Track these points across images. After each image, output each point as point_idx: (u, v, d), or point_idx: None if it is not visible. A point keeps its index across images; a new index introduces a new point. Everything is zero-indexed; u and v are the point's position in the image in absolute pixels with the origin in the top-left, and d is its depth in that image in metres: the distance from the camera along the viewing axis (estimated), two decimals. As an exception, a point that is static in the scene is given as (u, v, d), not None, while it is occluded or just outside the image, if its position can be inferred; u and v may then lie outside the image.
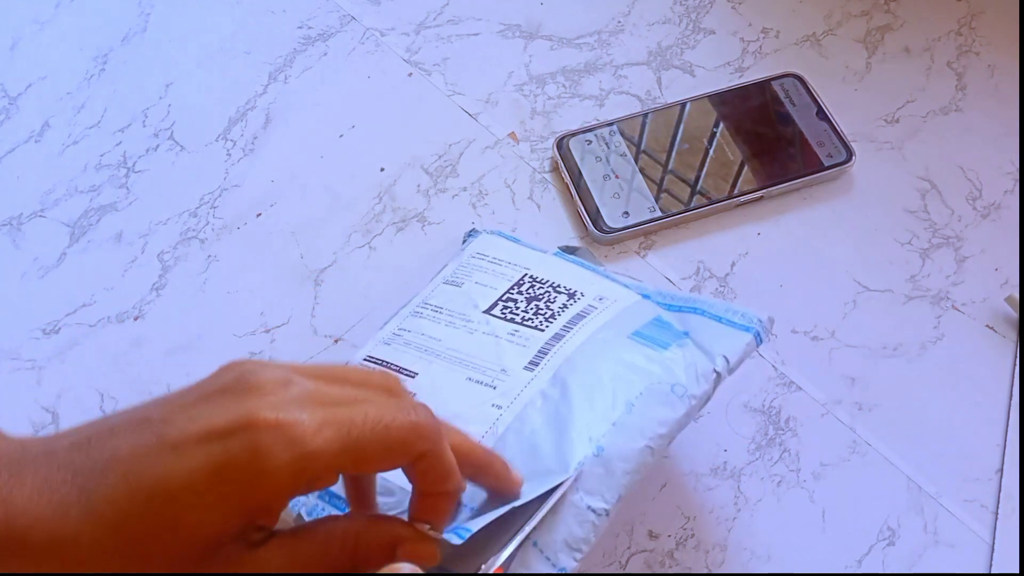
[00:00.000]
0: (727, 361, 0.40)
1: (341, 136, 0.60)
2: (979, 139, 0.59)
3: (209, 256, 0.55)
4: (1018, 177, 0.58)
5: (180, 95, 0.62)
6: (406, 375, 0.43)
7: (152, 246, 0.55)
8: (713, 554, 0.46)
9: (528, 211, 0.57)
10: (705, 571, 0.45)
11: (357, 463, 0.30)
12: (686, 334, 0.42)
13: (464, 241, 0.53)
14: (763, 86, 0.60)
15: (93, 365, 0.51)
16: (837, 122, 0.58)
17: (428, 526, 0.32)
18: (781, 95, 0.60)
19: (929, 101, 0.61)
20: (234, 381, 0.30)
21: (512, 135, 0.60)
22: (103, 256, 0.55)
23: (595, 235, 0.54)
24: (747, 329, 0.42)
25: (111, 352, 0.52)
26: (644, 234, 0.55)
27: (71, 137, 0.60)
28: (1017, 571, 0.45)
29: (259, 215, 0.56)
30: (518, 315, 0.44)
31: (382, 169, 0.58)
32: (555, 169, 0.58)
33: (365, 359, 0.45)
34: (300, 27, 0.64)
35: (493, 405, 0.40)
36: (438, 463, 0.31)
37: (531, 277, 0.46)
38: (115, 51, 0.64)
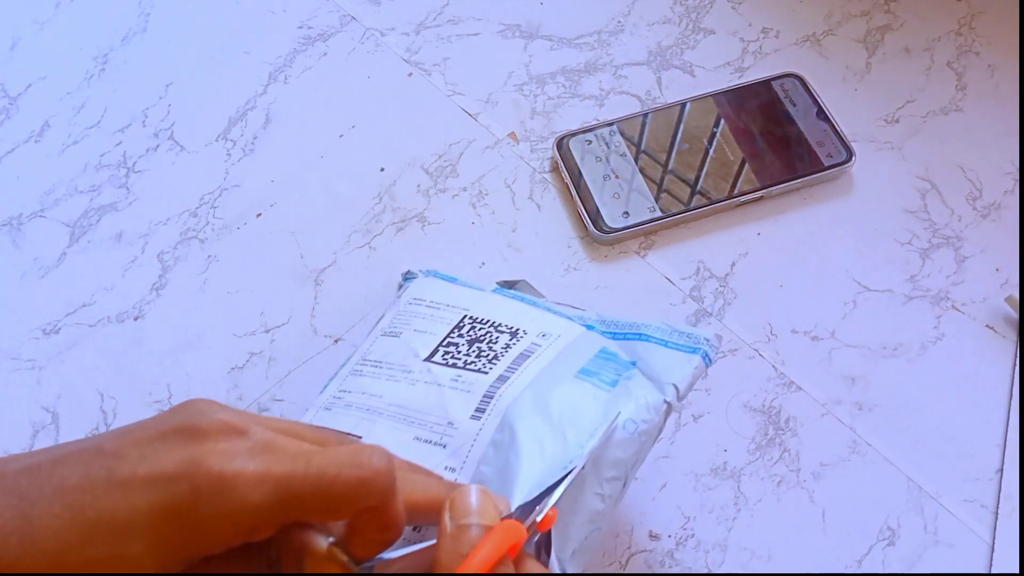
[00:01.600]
0: (677, 390, 0.39)
1: (341, 136, 0.60)
2: (979, 139, 0.59)
3: (209, 256, 0.55)
4: (1018, 177, 0.58)
5: (180, 95, 0.62)
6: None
7: (152, 246, 0.55)
8: (713, 554, 0.46)
9: (528, 211, 0.57)
10: (705, 571, 0.45)
11: (297, 515, 0.29)
12: (633, 364, 0.41)
13: (400, 286, 0.51)
14: (763, 86, 0.60)
15: (93, 365, 0.51)
16: (837, 122, 0.58)
17: (346, 559, 0.31)
18: (781, 95, 0.60)
19: (929, 101, 0.61)
20: (189, 422, 0.29)
21: (512, 135, 0.60)
22: (103, 256, 0.55)
23: (595, 235, 0.54)
24: (694, 351, 0.41)
25: (111, 352, 0.52)
26: (644, 234, 0.55)
27: (71, 137, 0.60)
28: (1017, 571, 0.45)
29: (259, 215, 0.56)
30: (460, 359, 0.42)
31: (382, 169, 0.58)
32: (555, 169, 0.58)
33: (311, 418, 0.43)
34: (300, 27, 0.64)
35: (447, 468, 0.38)
36: (380, 517, 0.30)
37: (471, 318, 0.44)
38: (115, 51, 0.64)
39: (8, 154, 0.59)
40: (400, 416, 0.40)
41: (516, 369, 0.41)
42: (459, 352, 0.43)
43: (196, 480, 0.28)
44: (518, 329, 0.43)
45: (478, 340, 0.43)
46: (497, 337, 0.43)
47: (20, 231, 0.56)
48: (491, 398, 0.40)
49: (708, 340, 0.42)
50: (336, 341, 0.52)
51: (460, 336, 0.44)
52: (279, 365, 0.51)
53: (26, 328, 0.53)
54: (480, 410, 0.39)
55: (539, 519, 0.33)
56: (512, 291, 0.48)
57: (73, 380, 0.51)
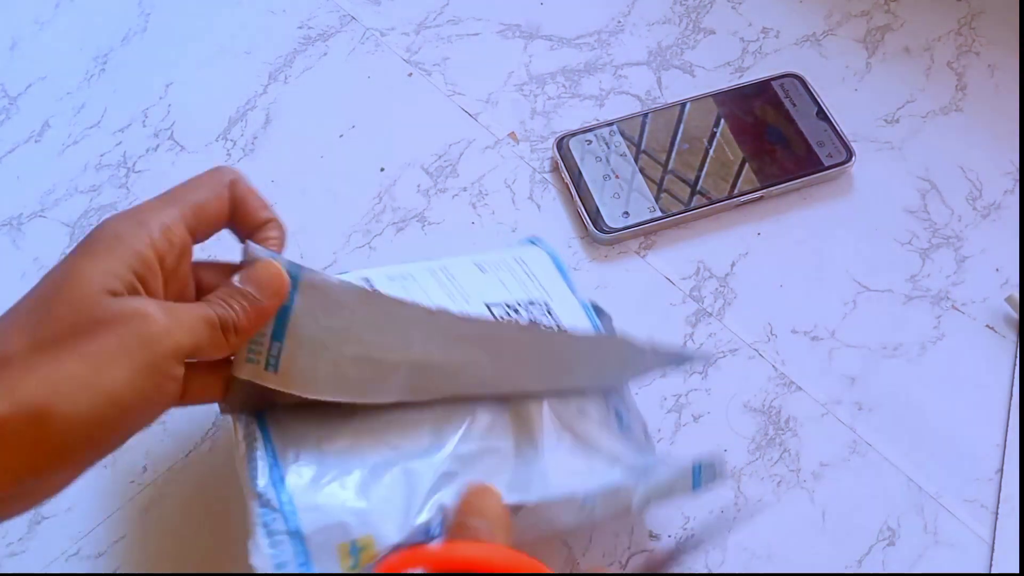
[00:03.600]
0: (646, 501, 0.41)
1: (341, 136, 0.60)
2: (979, 139, 0.59)
3: (210, 256, 0.55)
4: (1018, 177, 0.58)
5: (180, 95, 0.62)
6: None
7: (152, 246, 0.55)
8: (713, 554, 0.46)
9: (528, 211, 0.57)
10: (705, 571, 0.45)
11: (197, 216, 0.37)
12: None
13: (520, 242, 0.53)
14: (763, 86, 0.60)
15: (93, 365, 0.51)
16: (837, 122, 0.58)
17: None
18: (781, 95, 0.60)
19: (929, 101, 0.61)
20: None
21: (512, 135, 0.60)
22: (103, 256, 0.55)
23: (595, 235, 0.54)
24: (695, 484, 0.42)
25: (111, 352, 0.52)
26: (644, 234, 0.55)
27: (71, 137, 0.60)
28: (1017, 571, 0.45)
29: (259, 215, 0.56)
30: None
31: (382, 169, 0.58)
32: (555, 169, 0.58)
33: (364, 279, 0.43)
34: (300, 27, 0.64)
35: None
36: (246, 190, 0.39)
37: (547, 308, 0.46)
38: (115, 51, 0.64)
39: (8, 154, 0.59)
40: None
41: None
42: (515, 319, 0.44)
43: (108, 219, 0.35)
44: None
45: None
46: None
47: (20, 231, 0.56)
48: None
49: (712, 467, 0.42)
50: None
51: (525, 310, 0.45)
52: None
53: (26, 328, 0.53)
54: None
55: None
56: (596, 318, 0.48)
57: None
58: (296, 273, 0.37)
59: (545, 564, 0.29)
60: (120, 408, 0.31)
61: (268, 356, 0.37)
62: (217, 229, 0.39)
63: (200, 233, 0.37)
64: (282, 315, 0.36)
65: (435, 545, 0.31)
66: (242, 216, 0.39)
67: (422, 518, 0.35)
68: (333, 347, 0.37)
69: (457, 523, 0.31)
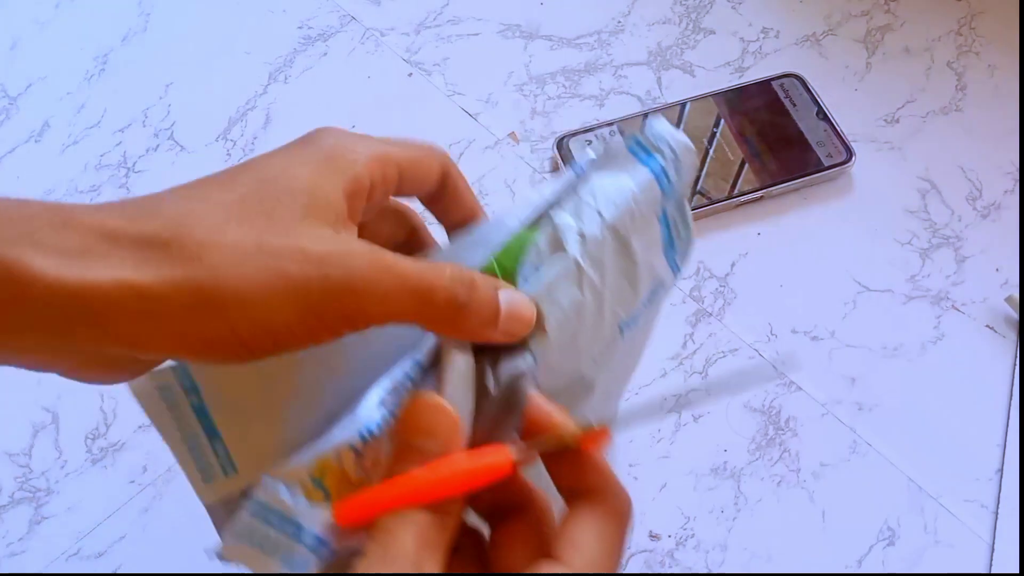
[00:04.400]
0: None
1: (341, 136, 0.60)
2: (979, 139, 0.59)
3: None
4: (1018, 177, 0.58)
5: (180, 95, 0.62)
6: None
7: (152, 246, 0.55)
8: (713, 554, 0.46)
9: (528, 211, 0.57)
10: (705, 571, 0.45)
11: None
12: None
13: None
14: (763, 86, 0.60)
15: (93, 365, 0.51)
16: (837, 122, 0.58)
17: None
18: (781, 95, 0.60)
19: (929, 101, 0.61)
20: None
21: (512, 135, 0.60)
22: (103, 256, 0.55)
23: (595, 235, 0.54)
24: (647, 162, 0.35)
25: (111, 352, 0.52)
26: (644, 234, 0.55)
27: (71, 137, 0.60)
28: (1017, 571, 0.45)
29: (259, 215, 0.56)
30: None
31: (382, 169, 0.58)
32: (555, 169, 0.58)
33: None
34: (300, 27, 0.64)
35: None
36: (458, 173, 0.34)
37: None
38: (115, 51, 0.64)
39: (8, 154, 0.59)
40: None
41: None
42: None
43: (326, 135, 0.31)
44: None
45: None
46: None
47: (20, 231, 0.56)
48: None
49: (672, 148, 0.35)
50: (336, 341, 0.52)
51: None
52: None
53: (26, 328, 0.53)
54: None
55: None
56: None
57: (73, 380, 0.51)
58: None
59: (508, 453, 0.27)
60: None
61: (218, 462, 0.31)
62: (420, 193, 0.34)
63: (405, 186, 0.33)
64: (200, 414, 0.31)
65: (380, 485, 0.26)
66: (451, 198, 0.35)
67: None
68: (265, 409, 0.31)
69: (401, 444, 0.27)
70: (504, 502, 0.28)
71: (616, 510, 0.27)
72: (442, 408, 0.27)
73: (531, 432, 0.28)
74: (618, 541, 0.27)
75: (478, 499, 0.28)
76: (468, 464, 0.27)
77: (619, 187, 0.34)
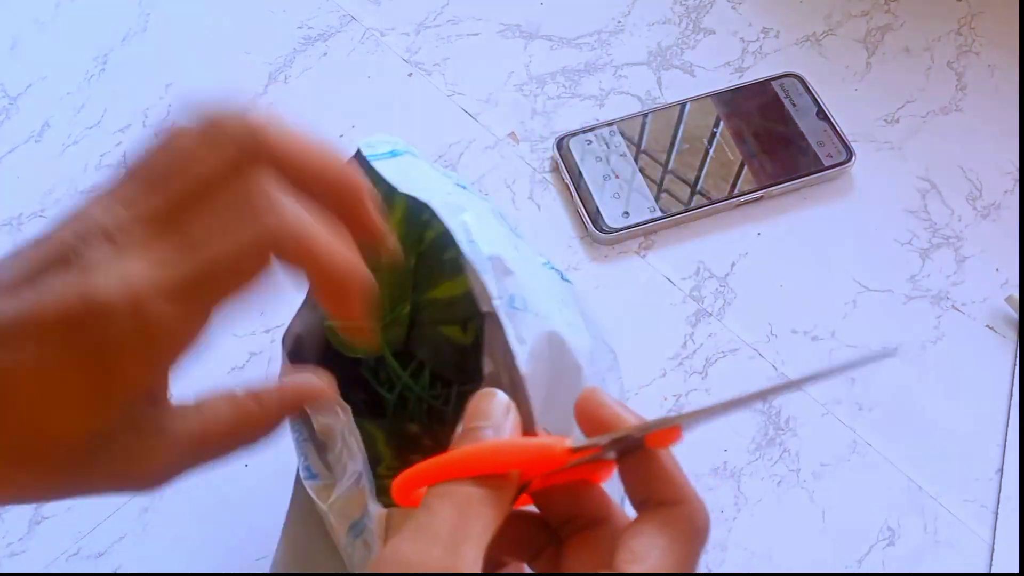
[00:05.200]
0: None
1: (341, 136, 0.60)
2: (979, 139, 0.59)
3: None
4: (1018, 177, 0.58)
5: (180, 95, 0.61)
6: None
7: (152, 246, 0.55)
8: (713, 554, 0.46)
9: (528, 211, 0.56)
10: (705, 571, 0.45)
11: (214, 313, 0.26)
12: None
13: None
14: (763, 86, 0.60)
15: (93, 365, 0.51)
16: (837, 122, 0.58)
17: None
18: (781, 95, 0.60)
19: (929, 101, 0.61)
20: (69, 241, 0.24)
21: (512, 135, 0.60)
22: (103, 256, 0.55)
23: (595, 235, 0.54)
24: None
25: (111, 352, 0.52)
26: (644, 234, 0.55)
27: (71, 137, 0.60)
28: (1017, 571, 0.45)
29: (259, 215, 0.56)
30: None
31: (382, 169, 0.58)
32: (555, 169, 0.58)
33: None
34: (300, 27, 0.64)
35: None
36: (305, 255, 0.26)
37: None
38: (115, 51, 0.64)
39: (8, 154, 0.59)
40: None
41: None
42: None
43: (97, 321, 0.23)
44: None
45: None
46: None
47: (20, 231, 0.56)
48: None
49: None
50: (336, 341, 0.52)
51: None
52: (279, 365, 0.51)
53: (26, 328, 0.53)
54: None
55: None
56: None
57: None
58: None
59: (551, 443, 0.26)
60: None
61: None
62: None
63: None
64: None
65: (428, 460, 0.26)
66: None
67: None
68: None
69: (464, 431, 0.27)
70: (582, 514, 0.28)
71: (685, 521, 0.26)
72: (495, 394, 0.27)
73: (592, 427, 0.27)
74: (686, 555, 0.25)
75: (557, 505, 0.28)
76: (516, 443, 0.26)
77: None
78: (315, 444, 0.37)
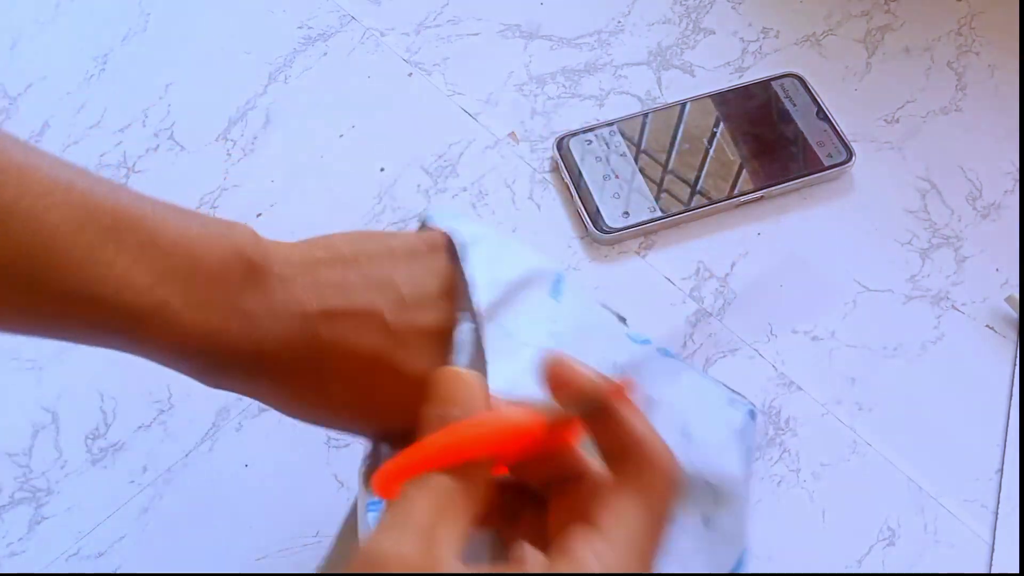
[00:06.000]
0: None
1: (341, 136, 0.60)
2: (979, 139, 0.59)
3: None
4: (1018, 177, 0.58)
5: (180, 95, 0.62)
6: None
7: (152, 246, 0.55)
8: (713, 554, 0.46)
9: (528, 211, 0.57)
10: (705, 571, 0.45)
11: None
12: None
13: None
14: (763, 86, 0.60)
15: (93, 365, 0.51)
16: (837, 122, 0.58)
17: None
18: (781, 95, 0.60)
19: (929, 101, 0.61)
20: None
21: (512, 135, 0.60)
22: (103, 256, 0.55)
23: (595, 235, 0.54)
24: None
25: (111, 352, 0.52)
26: (644, 234, 0.55)
27: (71, 137, 0.60)
28: (1017, 571, 0.45)
29: (259, 215, 0.56)
30: None
31: (382, 169, 0.58)
32: (555, 169, 0.58)
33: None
34: (300, 27, 0.64)
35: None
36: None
37: None
38: (115, 51, 0.64)
39: (8, 154, 0.59)
40: None
41: None
42: None
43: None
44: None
45: None
46: None
47: (20, 231, 0.56)
48: None
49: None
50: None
51: None
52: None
53: (26, 328, 0.53)
54: None
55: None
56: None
57: (73, 380, 0.51)
58: None
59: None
60: None
61: None
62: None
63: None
64: None
65: (403, 452, 0.26)
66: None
67: None
68: None
69: (429, 418, 0.27)
70: (560, 475, 0.27)
71: (651, 473, 0.26)
72: (459, 375, 0.27)
73: (557, 390, 0.27)
74: (656, 506, 0.25)
75: (533, 470, 0.28)
76: (492, 425, 0.26)
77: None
78: None
